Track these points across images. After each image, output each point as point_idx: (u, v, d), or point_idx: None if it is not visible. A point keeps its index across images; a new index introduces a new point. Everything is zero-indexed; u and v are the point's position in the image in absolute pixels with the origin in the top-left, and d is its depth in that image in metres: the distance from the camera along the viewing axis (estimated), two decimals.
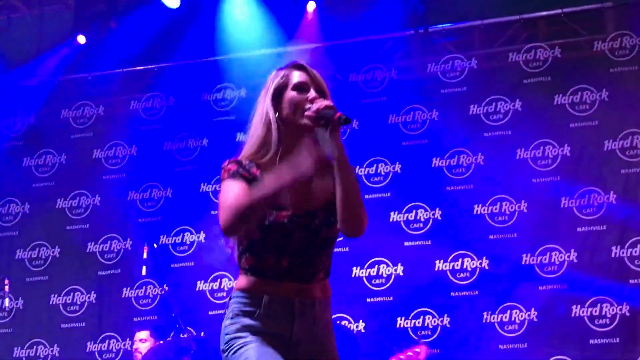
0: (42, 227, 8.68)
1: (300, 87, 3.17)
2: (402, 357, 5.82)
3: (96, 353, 8.20)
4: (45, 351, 8.37)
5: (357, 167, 7.66)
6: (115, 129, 8.75)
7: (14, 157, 8.84)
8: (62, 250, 8.56)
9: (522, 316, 7.33)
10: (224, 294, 7.82)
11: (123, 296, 8.26)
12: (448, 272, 7.54)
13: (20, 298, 8.26)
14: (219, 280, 7.95)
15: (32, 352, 8.39)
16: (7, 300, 6.92)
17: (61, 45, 8.70)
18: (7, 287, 6.89)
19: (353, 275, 7.69)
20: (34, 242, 8.61)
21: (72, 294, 8.42)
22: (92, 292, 8.36)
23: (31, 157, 8.83)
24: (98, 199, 8.60)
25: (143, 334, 6.72)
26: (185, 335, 6.45)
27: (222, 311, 3.48)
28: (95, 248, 8.43)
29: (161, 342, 6.50)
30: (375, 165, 7.97)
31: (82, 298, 8.37)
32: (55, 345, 8.34)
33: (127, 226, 8.40)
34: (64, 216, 8.62)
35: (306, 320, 3.14)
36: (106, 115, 8.81)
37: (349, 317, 7.49)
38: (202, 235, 8.11)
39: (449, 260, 7.56)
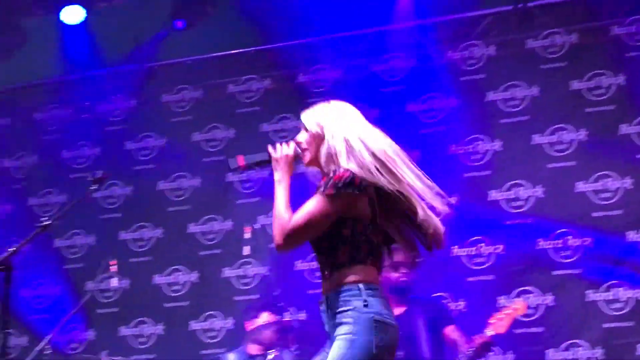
0: (144, 209, 8.87)
1: None
2: (501, 315, 5.78)
3: (199, 331, 8.37)
4: (150, 330, 8.57)
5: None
6: (214, 112, 8.86)
7: (116, 141, 9.04)
8: (164, 231, 8.75)
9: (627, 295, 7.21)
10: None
11: (224, 276, 8.40)
12: (550, 251, 7.44)
13: (125, 278, 8.43)
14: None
15: (137, 331, 8.60)
16: (114, 280, 7.09)
17: (160, 29, 8.85)
18: (113, 268, 7.06)
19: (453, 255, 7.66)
20: (137, 223, 8.82)
21: (174, 274, 8.59)
22: (195, 271, 8.52)
23: (133, 140, 9.02)
24: (198, 180, 8.74)
25: (265, 316, 6.74)
26: (289, 315, 6.50)
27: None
28: (197, 229, 8.58)
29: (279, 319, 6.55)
30: (474, 143, 7.90)
31: (185, 278, 8.53)
32: (160, 324, 8.54)
33: (227, 207, 8.51)
34: (166, 198, 8.80)
35: (326, 314, 3.50)
36: (204, 99, 8.93)
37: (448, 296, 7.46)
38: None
39: (551, 238, 7.46)
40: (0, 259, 3.77)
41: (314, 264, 7.93)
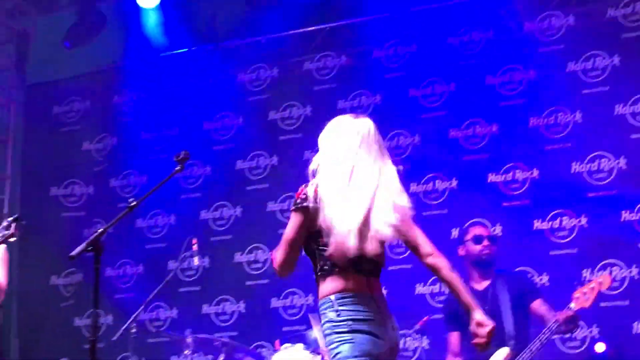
0: (224, 188, 8.95)
1: None
2: (586, 289, 5.69)
3: (280, 309, 8.43)
4: (232, 307, 8.67)
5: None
6: (290, 90, 8.87)
7: (194, 121, 9.12)
8: (243, 210, 8.82)
9: None
10: None
11: (303, 254, 8.40)
12: (634, 223, 7.31)
13: (206, 257, 8.52)
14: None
15: (219, 309, 8.71)
16: (196, 259, 7.16)
17: (234, 8, 8.89)
18: (195, 247, 7.13)
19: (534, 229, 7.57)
20: (216, 202, 8.91)
21: (254, 252, 8.66)
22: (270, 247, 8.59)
23: (209, 121, 9.10)
24: (276, 159, 8.78)
25: None
26: None
27: None
28: (276, 207, 8.62)
29: None
30: (554, 115, 7.78)
31: (265, 256, 8.59)
32: (241, 301, 8.63)
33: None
34: (244, 177, 8.86)
35: None
36: (280, 77, 8.95)
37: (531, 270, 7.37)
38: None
39: (635, 210, 7.33)
40: (90, 240, 3.82)
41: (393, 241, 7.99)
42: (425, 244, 3.78)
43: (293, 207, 3.77)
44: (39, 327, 9.20)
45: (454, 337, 5.91)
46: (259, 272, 8.61)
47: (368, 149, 3.85)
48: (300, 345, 6.25)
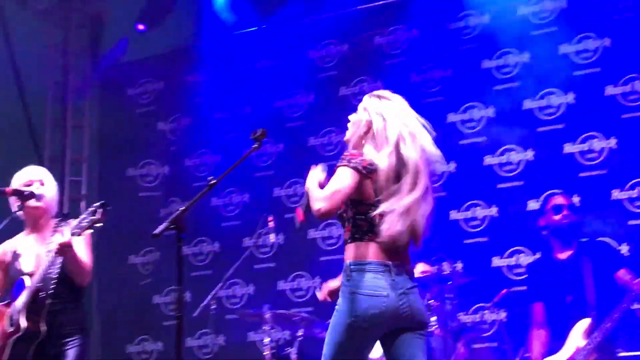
0: (296, 165, 8.98)
1: None
2: None
3: None
4: (307, 283, 8.73)
5: None
6: (360, 65, 8.85)
7: (265, 99, 9.17)
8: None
9: None
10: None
11: None
12: None
13: (281, 234, 8.57)
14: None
15: (295, 285, 8.77)
16: (272, 236, 7.22)
17: None
18: (271, 224, 7.18)
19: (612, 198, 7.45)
20: (290, 179, 8.96)
21: (328, 228, 8.69)
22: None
23: (281, 99, 9.14)
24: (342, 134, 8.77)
25: (420, 267, 6.79)
26: (446, 266, 6.48)
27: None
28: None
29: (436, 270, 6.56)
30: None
31: (339, 231, 8.62)
32: (317, 277, 8.68)
33: None
34: (317, 153, 8.89)
35: None
36: (350, 53, 8.93)
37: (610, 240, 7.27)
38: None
39: None
40: (172, 218, 3.88)
41: (469, 214, 7.96)
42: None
43: (352, 166, 3.76)
44: (119, 306, 9.38)
45: (538, 308, 5.86)
46: (333, 247, 8.65)
47: (419, 129, 3.95)
48: None
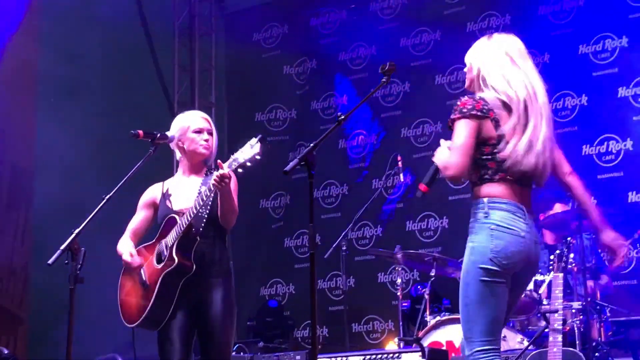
0: (423, 105, 8.90)
1: None
2: None
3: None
4: (436, 223, 8.71)
5: None
6: (419, 15, 8.79)
7: (392, 38, 9.08)
8: (443, 126, 8.70)
9: None
10: None
11: None
12: None
13: (409, 174, 8.49)
14: None
15: (423, 225, 8.75)
16: (401, 175, 7.16)
17: None
18: (400, 164, 7.12)
19: None
20: (418, 119, 8.89)
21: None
22: None
23: (407, 37, 9.03)
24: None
25: (558, 207, 6.67)
26: None
27: None
28: None
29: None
30: None
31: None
32: (444, 217, 8.64)
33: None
34: (444, 92, 8.77)
35: None
36: (411, 4, 8.91)
37: None
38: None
39: None
40: (302, 155, 3.86)
41: (603, 148, 7.74)
42: (565, 163, 3.98)
43: (466, 114, 3.71)
44: (252, 250, 9.54)
45: None
46: (462, 186, 8.53)
47: (529, 70, 3.88)
48: None
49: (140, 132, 4.65)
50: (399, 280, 6.84)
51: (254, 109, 9.74)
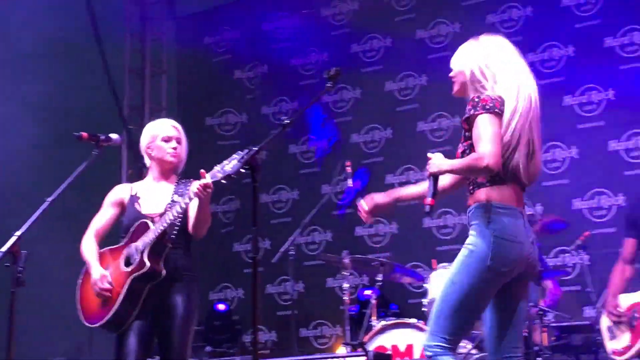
0: (374, 111, 8.95)
1: None
2: None
3: (434, 229, 8.43)
4: (385, 229, 8.75)
5: None
6: (438, 7, 8.73)
7: (342, 45, 9.11)
8: (394, 131, 8.81)
9: None
10: None
11: None
12: None
13: (359, 180, 8.54)
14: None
15: (372, 231, 8.80)
16: (349, 181, 7.19)
17: None
18: (349, 169, 7.15)
19: None
20: (367, 125, 8.91)
21: (406, 173, 8.65)
22: (425, 170, 8.52)
23: (358, 43, 9.07)
24: (425, 79, 8.70)
25: None
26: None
27: None
28: (426, 127, 8.57)
29: None
30: None
31: (416, 176, 8.57)
32: (394, 223, 8.67)
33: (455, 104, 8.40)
34: (394, 99, 8.82)
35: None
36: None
37: None
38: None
39: None
40: (246, 158, 3.86)
41: (549, 156, 7.80)
42: None
43: (490, 111, 3.66)
44: (201, 254, 9.45)
45: (630, 244, 5.70)
46: None
47: (524, 70, 3.88)
48: None
49: (84, 134, 4.62)
50: (346, 285, 6.86)
51: (205, 113, 9.72)
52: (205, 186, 4.41)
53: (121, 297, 4.56)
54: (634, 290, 5.48)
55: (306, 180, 9.15)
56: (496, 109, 3.67)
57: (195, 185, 4.44)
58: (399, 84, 8.81)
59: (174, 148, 4.81)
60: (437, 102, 8.52)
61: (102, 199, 4.88)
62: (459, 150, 3.79)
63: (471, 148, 3.69)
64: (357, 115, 9.02)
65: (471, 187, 3.78)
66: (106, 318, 4.58)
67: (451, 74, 3.93)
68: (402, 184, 8.62)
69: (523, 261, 3.71)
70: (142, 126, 9.19)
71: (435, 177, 3.80)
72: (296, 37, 9.32)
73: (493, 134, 3.61)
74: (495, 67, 3.79)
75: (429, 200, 3.79)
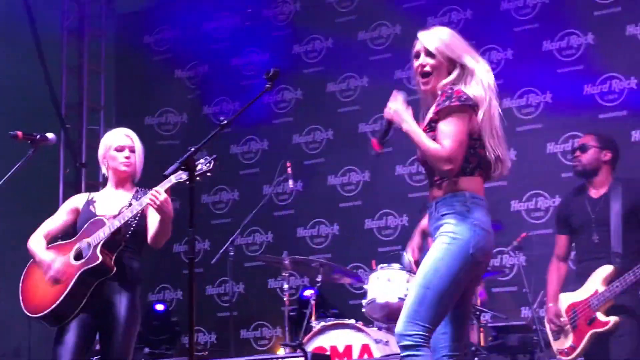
0: (315, 112, 8.95)
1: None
2: None
3: (374, 230, 8.46)
4: (327, 230, 8.73)
5: None
6: (379, 9, 8.77)
7: (284, 46, 9.10)
8: (335, 133, 8.82)
9: None
10: None
11: (396, 173, 8.42)
12: None
13: (299, 181, 8.53)
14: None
15: (314, 232, 8.77)
16: (291, 181, 7.20)
17: None
18: (289, 170, 7.16)
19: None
20: (309, 126, 8.92)
21: (348, 174, 8.66)
22: (366, 171, 8.58)
23: (300, 43, 9.07)
24: (366, 80, 8.73)
25: None
26: None
27: None
28: (368, 128, 8.60)
29: None
30: None
31: (358, 177, 8.60)
32: (335, 224, 8.68)
33: None
34: (336, 100, 8.84)
35: (433, 217, 3.80)
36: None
37: None
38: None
39: None
40: (183, 159, 3.84)
41: None
42: None
43: (464, 104, 3.66)
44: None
45: (562, 240, 5.77)
46: (352, 194, 8.62)
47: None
48: (396, 265, 6.26)
49: (20, 133, 4.60)
50: (285, 286, 6.86)
51: (144, 113, 9.63)
52: (158, 200, 4.50)
53: (68, 289, 4.55)
54: (574, 290, 5.54)
55: (247, 181, 9.11)
56: (470, 102, 3.69)
57: (148, 195, 4.52)
58: (341, 85, 8.82)
59: (127, 157, 4.84)
60: (379, 103, 8.43)
61: (40, 198, 4.86)
62: None
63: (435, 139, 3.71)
64: (299, 116, 9.01)
65: (438, 178, 3.78)
66: (50, 309, 4.57)
67: (430, 61, 3.84)
68: (343, 186, 8.66)
69: (491, 251, 3.79)
70: (79, 125, 9.20)
71: (389, 122, 3.77)
72: (237, 37, 9.27)
73: (460, 133, 3.64)
74: (471, 62, 3.81)
75: (376, 143, 3.80)
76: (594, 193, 5.62)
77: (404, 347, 3.62)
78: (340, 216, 8.64)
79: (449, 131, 3.66)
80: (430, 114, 3.80)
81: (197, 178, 4.17)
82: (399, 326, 3.65)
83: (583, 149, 5.66)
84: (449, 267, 3.63)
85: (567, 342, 5.54)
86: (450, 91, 3.72)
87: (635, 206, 5.47)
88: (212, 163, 4.21)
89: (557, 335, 5.60)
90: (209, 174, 4.23)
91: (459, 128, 3.66)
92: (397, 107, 3.79)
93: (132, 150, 4.87)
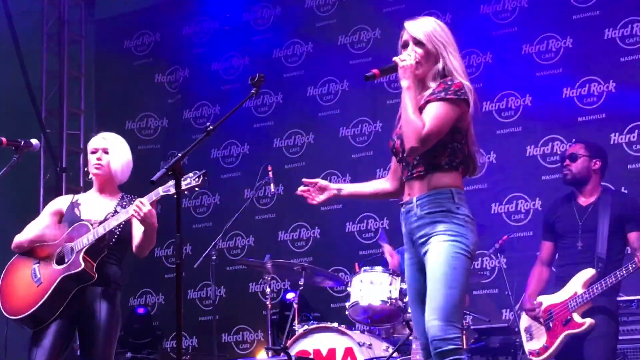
0: (296, 116, 8.97)
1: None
2: None
3: (355, 233, 8.48)
4: (308, 233, 8.75)
5: None
6: (358, 13, 8.79)
7: (264, 50, 9.12)
8: (315, 137, 8.84)
9: None
10: None
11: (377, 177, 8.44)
12: None
13: (280, 185, 8.55)
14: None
15: (295, 235, 8.79)
16: (272, 185, 7.21)
17: None
18: (270, 174, 7.17)
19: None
20: (289, 130, 8.94)
21: (328, 177, 8.67)
22: (347, 175, 8.60)
23: (280, 48, 9.09)
24: (347, 84, 8.76)
25: None
26: None
27: None
28: (348, 132, 8.63)
29: None
30: None
31: (338, 181, 8.62)
32: (317, 227, 8.71)
33: (377, 110, 8.50)
34: (316, 103, 8.86)
35: (410, 214, 3.80)
36: (347, 1, 8.85)
37: None
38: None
39: None
40: (170, 164, 3.85)
41: None
42: None
43: (453, 97, 3.66)
44: None
45: (547, 247, 5.82)
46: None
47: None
48: (379, 268, 6.28)
49: (4, 139, 4.61)
50: (267, 290, 6.86)
51: (125, 117, 9.61)
52: (142, 213, 4.50)
53: (48, 294, 4.55)
54: (553, 292, 5.60)
55: (228, 185, 9.12)
56: (466, 97, 3.70)
57: (132, 206, 4.51)
58: (321, 89, 8.85)
59: (98, 159, 4.82)
60: (359, 107, 8.61)
61: (22, 203, 4.86)
62: None
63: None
64: (279, 120, 9.03)
65: (416, 173, 3.75)
66: (29, 312, 4.57)
67: (419, 50, 3.79)
68: None
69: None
70: (60, 130, 9.17)
71: (395, 65, 3.74)
72: (217, 42, 9.29)
73: (446, 121, 3.63)
74: (455, 55, 3.82)
75: (376, 70, 3.78)
76: (583, 201, 5.68)
77: (449, 352, 3.55)
78: (321, 219, 8.65)
79: (437, 114, 3.65)
80: (422, 102, 3.76)
81: (185, 192, 4.19)
82: (436, 330, 3.57)
83: (573, 158, 5.70)
84: (462, 264, 3.61)
85: (540, 342, 5.59)
86: (450, 82, 3.71)
87: (622, 218, 5.54)
88: (202, 178, 4.23)
89: (530, 335, 5.66)
90: (197, 189, 4.25)
91: (448, 116, 3.66)
92: (409, 63, 3.73)
93: (106, 152, 4.84)
